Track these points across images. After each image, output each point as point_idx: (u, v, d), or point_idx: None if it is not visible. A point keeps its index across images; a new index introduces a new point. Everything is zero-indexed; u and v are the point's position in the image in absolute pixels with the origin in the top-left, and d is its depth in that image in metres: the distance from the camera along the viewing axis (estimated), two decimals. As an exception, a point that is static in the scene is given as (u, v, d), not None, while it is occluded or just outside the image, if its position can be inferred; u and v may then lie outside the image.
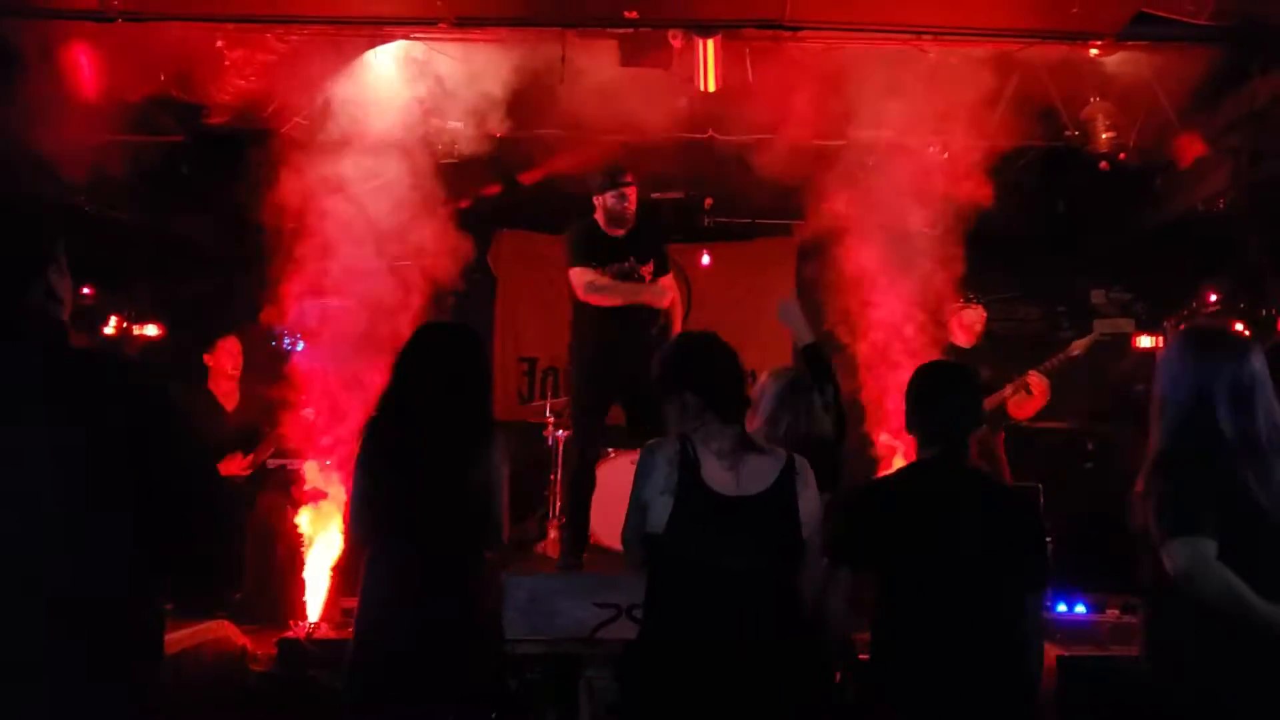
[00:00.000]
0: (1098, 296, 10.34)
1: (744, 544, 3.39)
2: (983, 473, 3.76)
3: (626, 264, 6.74)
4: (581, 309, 6.85)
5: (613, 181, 6.66)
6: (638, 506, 3.49)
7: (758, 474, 3.47)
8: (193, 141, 7.76)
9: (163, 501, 2.57)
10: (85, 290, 8.76)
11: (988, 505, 3.65)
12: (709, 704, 3.33)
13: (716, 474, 3.44)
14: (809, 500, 3.49)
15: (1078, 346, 8.04)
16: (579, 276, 6.70)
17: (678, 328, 6.95)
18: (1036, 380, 7.82)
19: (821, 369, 4.83)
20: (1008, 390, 7.87)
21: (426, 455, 3.95)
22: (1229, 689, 3.33)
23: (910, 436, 3.88)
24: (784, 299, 5.28)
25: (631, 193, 6.69)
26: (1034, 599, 3.65)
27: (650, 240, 6.88)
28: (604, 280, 6.68)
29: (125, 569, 2.53)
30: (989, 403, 7.35)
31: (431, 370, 4.08)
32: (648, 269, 6.80)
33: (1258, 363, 3.46)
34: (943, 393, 3.77)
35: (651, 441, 3.61)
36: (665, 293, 6.80)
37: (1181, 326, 3.93)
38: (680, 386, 3.61)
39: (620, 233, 6.72)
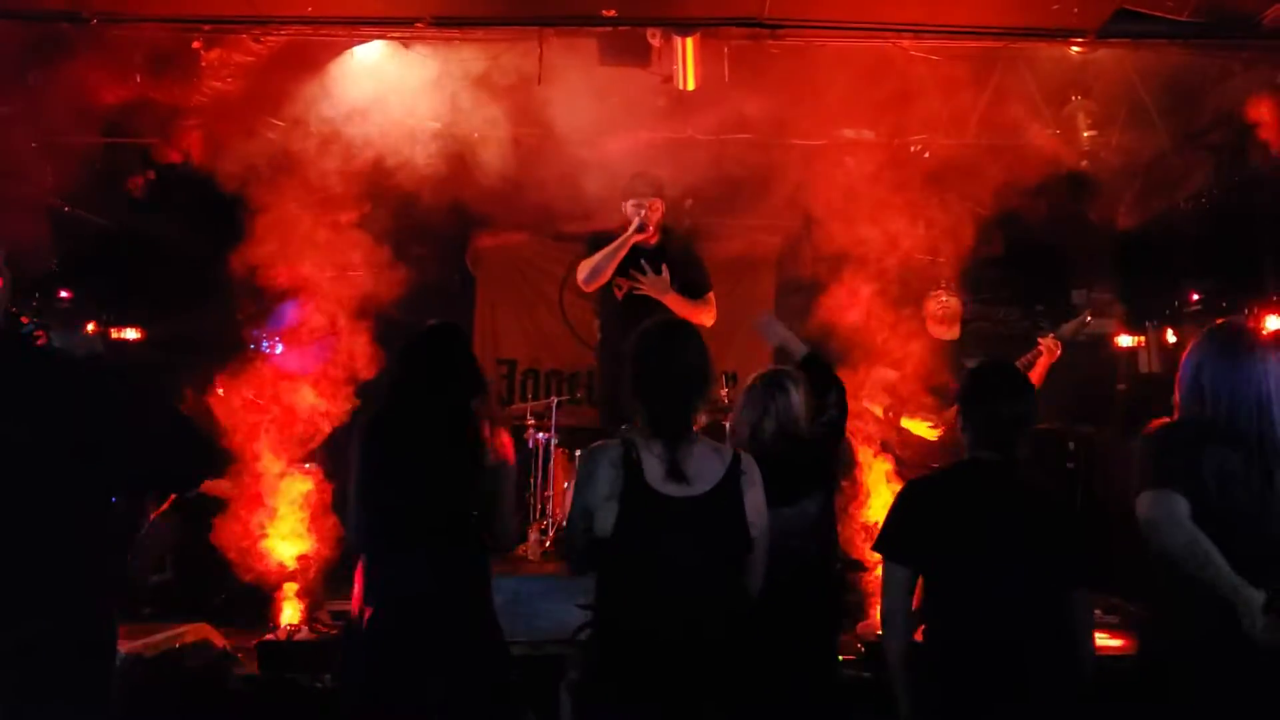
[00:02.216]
0: (1078, 296, 10.33)
1: (691, 544, 3.37)
2: (1032, 475, 3.76)
3: (638, 284, 6.73)
4: (606, 310, 6.91)
5: (633, 190, 6.72)
6: (582, 513, 3.46)
7: (703, 473, 3.43)
8: (170, 143, 7.70)
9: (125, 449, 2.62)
10: (63, 293, 8.71)
11: (1032, 505, 3.70)
12: (658, 698, 3.34)
13: (660, 475, 3.40)
14: (755, 498, 3.47)
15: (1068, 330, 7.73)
16: (579, 270, 6.74)
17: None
18: (1047, 343, 7.24)
19: (821, 376, 4.78)
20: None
21: (430, 456, 3.95)
22: (1217, 671, 3.41)
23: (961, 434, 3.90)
24: (760, 317, 5.18)
25: (654, 205, 6.70)
26: (1081, 595, 3.67)
27: (679, 259, 6.84)
28: (591, 261, 6.73)
29: (66, 561, 2.58)
30: None
31: (435, 370, 4.09)
32: (658, 289, 6.79)
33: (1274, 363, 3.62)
34: (993, 396, 3.81)
35: (593, 445, 3.59)
36: (645, 227, 6.71)
37: (1217, 323, 4.01)
38: (632, 391, 3.58)
39: (645, 243, 6.70)
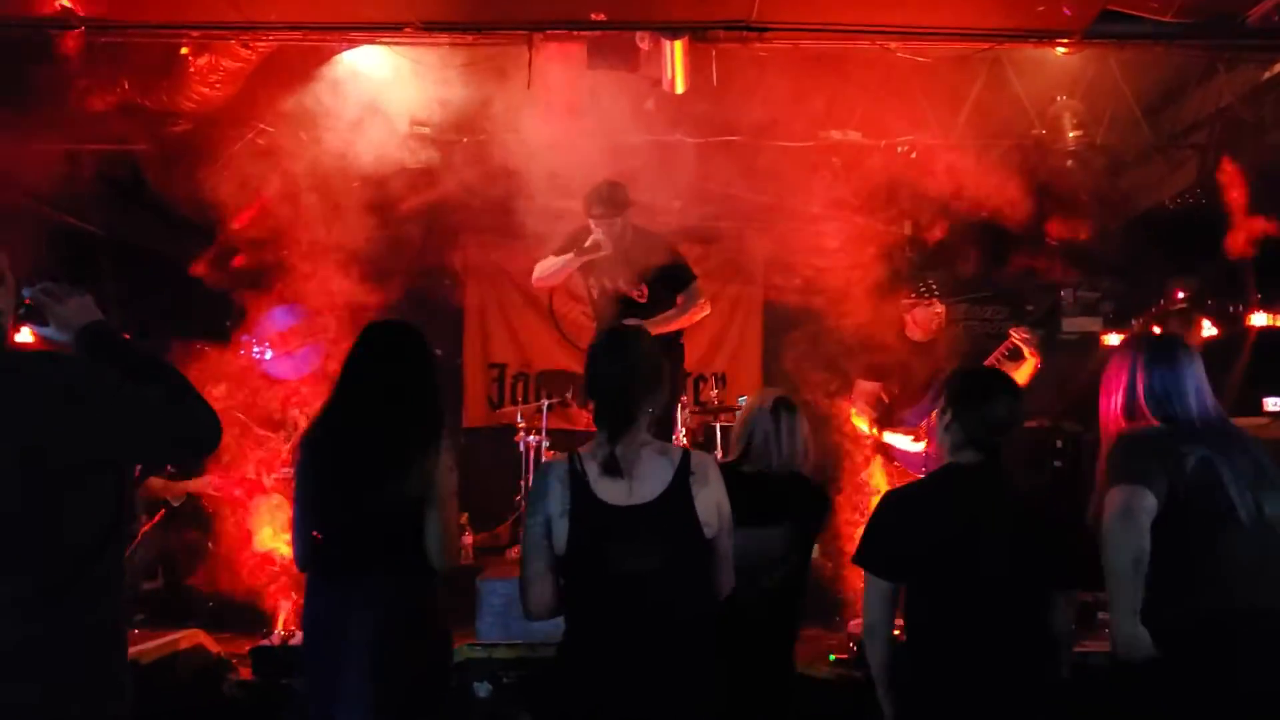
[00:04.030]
0: (1065, 295, 10.40)
1: (641, 551, 3.32)
2: (1013, 478, 3.75)
3: (611, 285, 6.77)
4: (600, 327, 6.96)
5: (589, 209, 6.65)
6: (541, 533, 3.40)
7: (650, 479, 3.39)
8: (158, 150, 7.70)
9: (134, 450, 2.82)
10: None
11: (1014, 508, 3.67)
12: (619, 708, 3.31)
13: (606, 486, 3.37)
14: (708, 499, 3.42)
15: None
16: (536, 268, 6.89)
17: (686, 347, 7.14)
18: (1021, 336, 7.05)
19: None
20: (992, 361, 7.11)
21: (361, 469, 3.84)
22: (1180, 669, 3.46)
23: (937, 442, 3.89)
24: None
25: (613, 223, 6.60)
26: (1066, 597, 3.67)
27: (646, 262, 6.74)
28: (546, 264, 6.88)
29: (80, 561, 2.62)
30: None
31: (370, 376, 3.97)
32: (639, 293, 6.76)
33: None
34: (981, 398, 3.76)
35: (543, 463, 3.58)
36: (602, 248, 6.65)
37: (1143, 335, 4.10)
38: (586, 393, 3.59)
39: (610, 249, 6.67)
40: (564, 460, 3.47)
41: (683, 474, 3.40)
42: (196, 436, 2.93)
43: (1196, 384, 3.71)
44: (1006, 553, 3.53)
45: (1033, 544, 3.57)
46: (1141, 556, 3.49)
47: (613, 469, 3.37)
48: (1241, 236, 7.65)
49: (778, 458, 4.56)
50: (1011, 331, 7.07)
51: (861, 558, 3.77)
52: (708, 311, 6.88)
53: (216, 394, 7.71)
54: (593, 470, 3.39)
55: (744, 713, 4.13)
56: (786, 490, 4.51)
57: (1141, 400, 3.74)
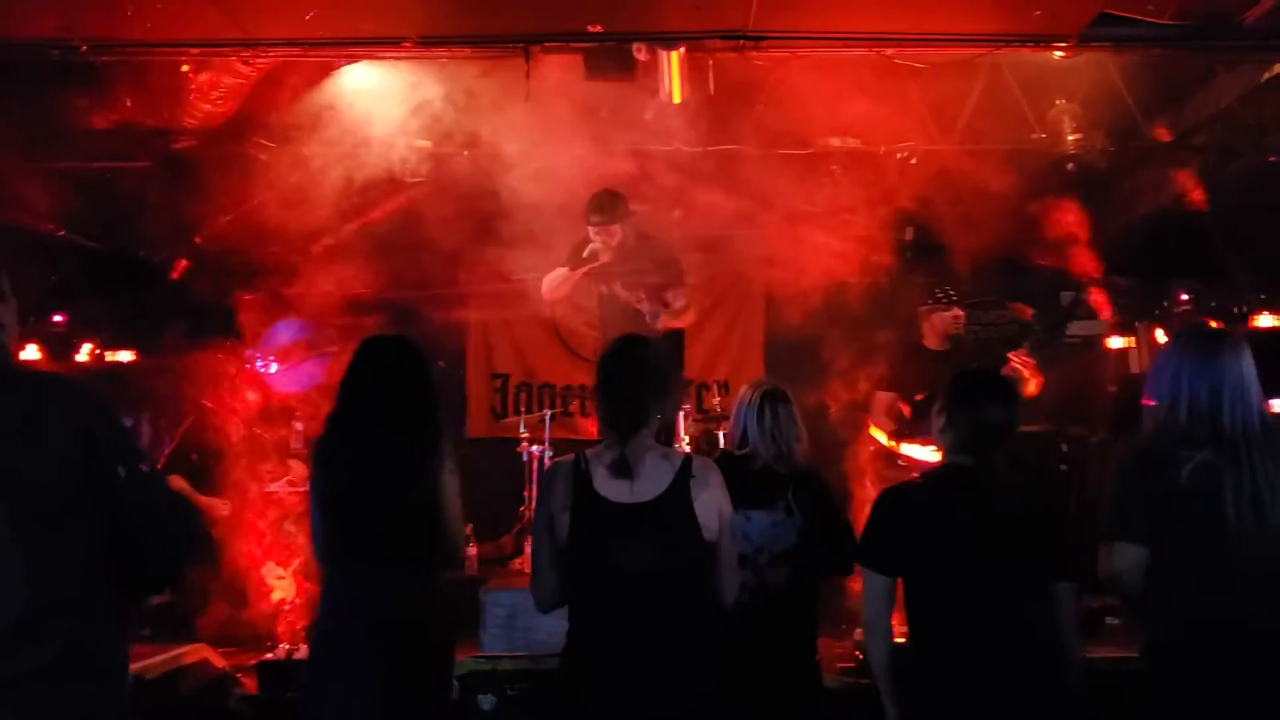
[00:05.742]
0: (1068, 299, 10.38)
1: (639, 549, 3.41)
2: (1007, 476, 3.77)
3: (608, 290, 6.84)
4: (605, 332, 7.13)
5: (587, 218, 6.84)
6: (544, 527, 3.55)
7: (652, 480, 3.49)
8: (160, 167, 7.72)
9: (116, 511, 2.65)
10: (57, 318, 8.73)
11: (1009, 505, 3.70)
12: (617, 706, 3.39)
13: (609, 484, 3.48)
14: (707, 502, 3.51)
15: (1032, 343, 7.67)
16: (544, 280, 6.87)
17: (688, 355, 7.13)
18: (1021, 360, 7.22)
19: None
20: None
21: (368, 473, 3.96)
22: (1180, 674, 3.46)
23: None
24: None
25: (611, 231, 6.75)
26: (1065, 588, 3.67)
27: (640, 269, 6.89)
28: (552, 278, 7.07)
29: (80, 583, 2.58)
30: None
31: (372, 385, 4.08)
32: (637, 299, 6.86)
33: (1250, 361, 3.62)
34: (974, 403, 3.80)
35: (552, 463, 3.67)
36: (603, 253, 6.84)
37: (1190, 325, 3.99)
38: (596, 395, 3.69)
39: (609, 257, 6.78)
40: (570, 460, 3.59)
41: (683, 477, 3.50)
42: (190, 536, 2.96)
43: (1235, 380, 3.58)
44: (1000, 549, 3.56)
45: (1027, 539, 3.60)
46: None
47: (621, 470, 3.48)
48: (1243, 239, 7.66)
49: (770, 449, 4.59)
50: (1010, 355, 7.13)
51: (859, 553, 3.82)
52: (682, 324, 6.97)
53: (219, 406, 7.78)
54: (598, 470, 3.50)
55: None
56: (785, 478, 4.54)
57: (1170, 395, 3.67)
